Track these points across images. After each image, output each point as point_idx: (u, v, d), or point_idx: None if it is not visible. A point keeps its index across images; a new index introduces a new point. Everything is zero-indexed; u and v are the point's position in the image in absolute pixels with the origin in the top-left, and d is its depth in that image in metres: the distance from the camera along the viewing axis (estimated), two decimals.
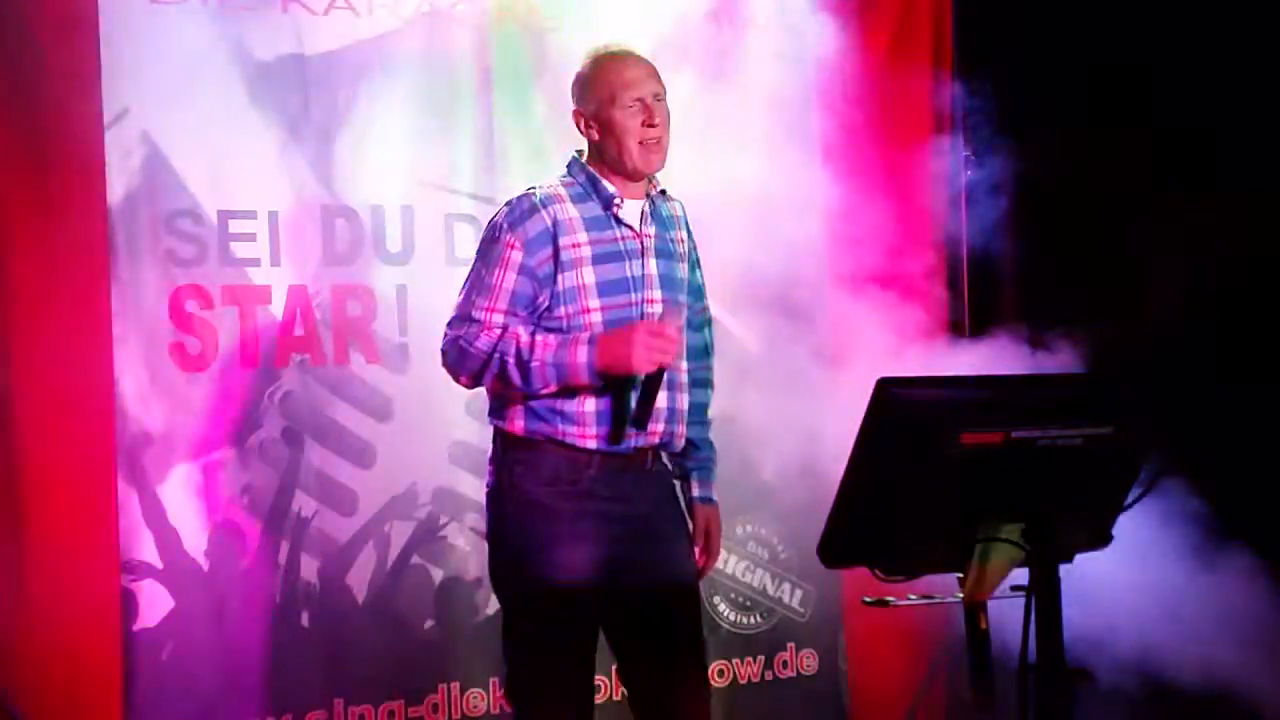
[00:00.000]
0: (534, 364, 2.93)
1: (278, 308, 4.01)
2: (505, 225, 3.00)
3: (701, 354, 3.27)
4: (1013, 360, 4.50)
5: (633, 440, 3.03)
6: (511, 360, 2.93)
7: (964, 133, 4.85)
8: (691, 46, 4.39)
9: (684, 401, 3.12)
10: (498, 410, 3.09)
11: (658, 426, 3.04)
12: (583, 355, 2.92)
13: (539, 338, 2.95)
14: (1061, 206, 4.68)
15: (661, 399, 3.01)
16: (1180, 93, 4.44)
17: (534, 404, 3.01)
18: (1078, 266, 4.65)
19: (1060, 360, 4.41)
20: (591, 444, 3.01)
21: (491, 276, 2.97)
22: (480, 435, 4.21)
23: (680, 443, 3.16)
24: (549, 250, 2.97)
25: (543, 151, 4.10)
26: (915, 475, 2.26)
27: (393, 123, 4.05)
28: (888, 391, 2.23)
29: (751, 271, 3.84)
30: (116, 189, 3.80)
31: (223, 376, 3.94)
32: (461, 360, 2.99)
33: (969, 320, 4.84)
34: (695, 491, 3.25)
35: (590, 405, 3.00)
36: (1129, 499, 2.45)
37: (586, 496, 3.03)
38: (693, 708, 3.15)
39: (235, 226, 3.97)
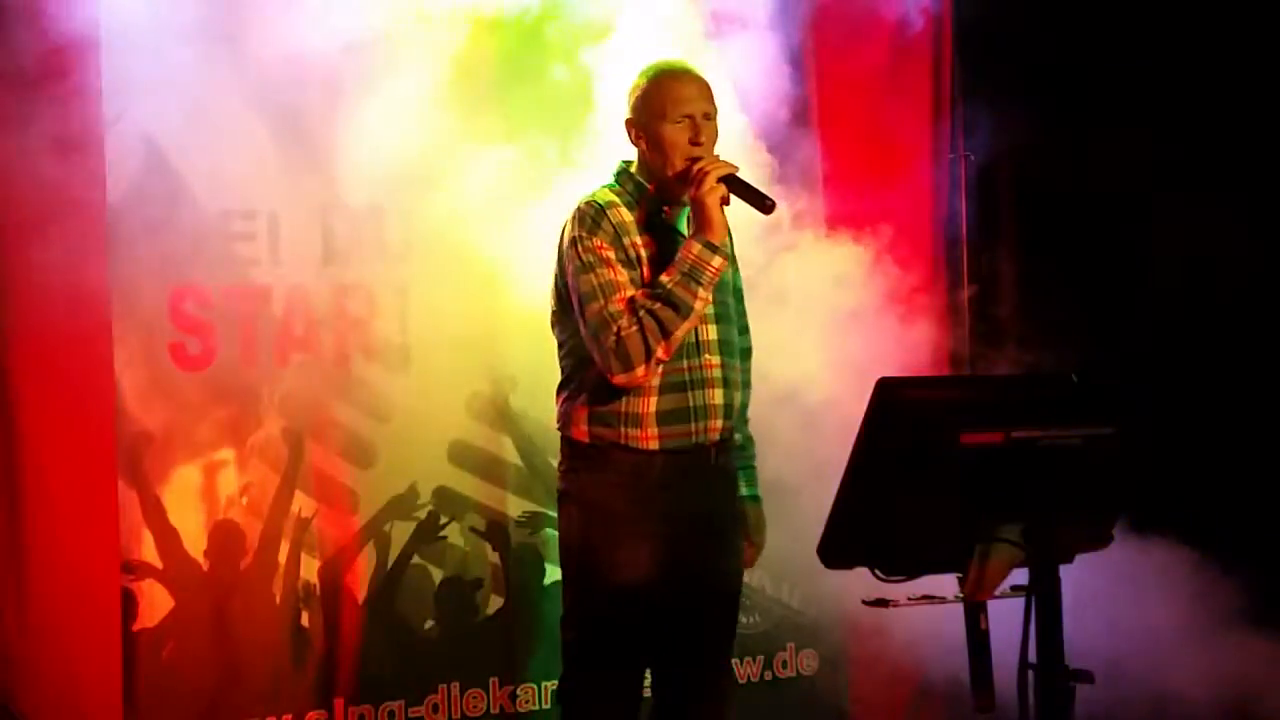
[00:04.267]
0: (669, 285, 3.01)
1: (278, 307, 4.01)
2: (586, 234, 3.09)
3: (744, 356, 3.35)
4: (1013, 360, 4.50)
5: (695, 438, 3.11)
6: (656, 304, 3.01)
7: (964, 133, 4.84)
8: (691, 48, 4.38)
9: (740, 399, 3.23)
10: (564, 419, 3.18)
11: (717, 423, 3.14)
12: (692, 244, 3.04)
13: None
14: (1061, 206, 4.69)
15: (719, 395, 3.13)
16: (1180, 93, 4.45)
17: (597, 408, 3.10)
18: (1078, 266, 4.65)
19: (1061, 360, 4.41)
20: (654, 445, 3.09)
21: (605, 274, 3.06)
22: (480, 435, 4.22)
23: (737, 437, 3.27)
24: (622, 249, 3.09)
25: (544, 150, 4.10)
26: (915, 475, 2.26)
27: (393, 122, 4.03)
28: (888, 391, 2.23)
29: (749, 271, 3.82)
30: (116, 188, 3.79)
31: (223, 376, 3.93)
32: (626, 349, 3.02)
33: (969, 320, 4.84)
34: (743, 490, 3.34)
35: (651, 406, 3.09)
36: (1129, 500, 2.45)
37: (650, 498, 3.10)
38: (714, 709, 3.22)
39: (235, 226, 3.96)
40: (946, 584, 2.44)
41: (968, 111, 4.85)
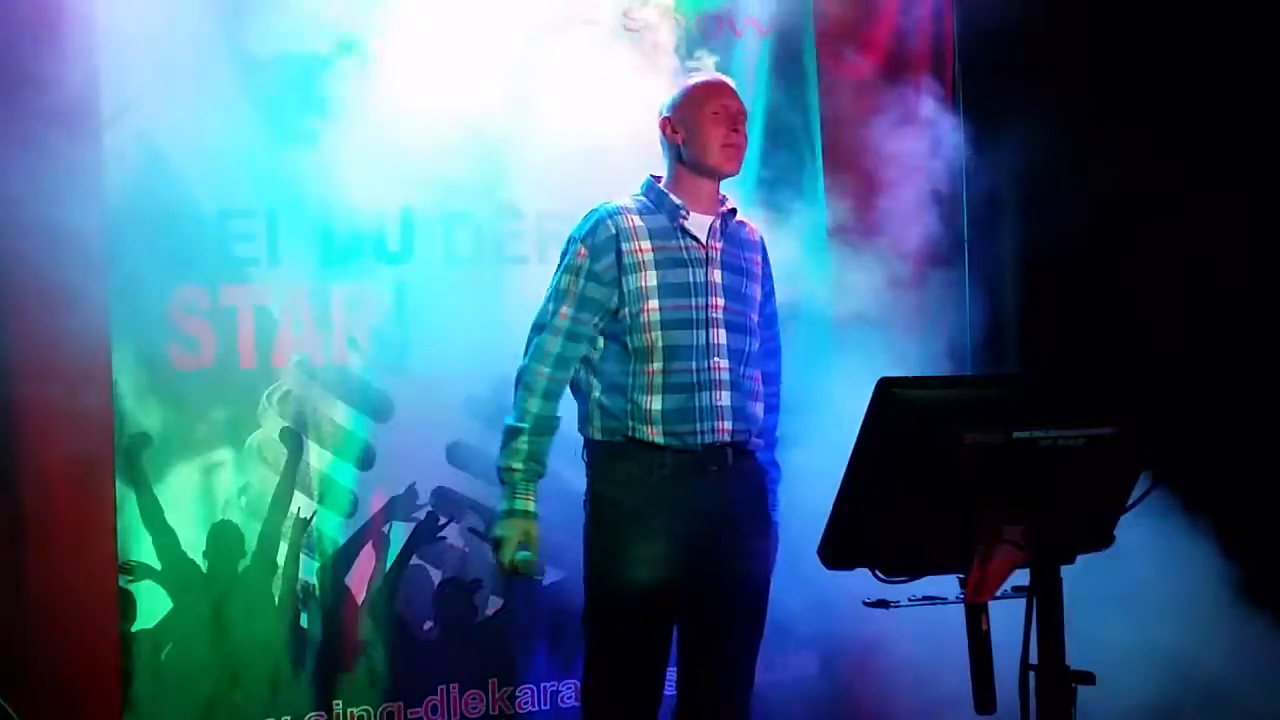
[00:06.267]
0: (505, 458, 3.17)
1: (276, 307, 4.00)
2: (577, 236, 3.24)
3: (768, 380, 3.37)
4: (1014, 360, 4.49)
5: (701, 437, 3.14)
6: (511, 436, 3.18)
7: (965, 134, 4.84)
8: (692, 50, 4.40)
9: (753, 407, 3.23)
10: (582, 420, 3.25)
11: (725, 424, 3.16)
12: (503, 504, 3.18)
13: (527, 450, 3.16)
14: (1062, 206, 4.68)
15: (727, 398, 3.16)
16: (1182, 93, 4.44)
17: (608, 405, 3.18)
18: (1079, 266, 4.64)
19: (1061, 360, 4.40)
20: (660, 439, 3.13)
21: (564, 282, 3.21)
22: (479, 436, 4.21)
23: (755, 443, 3.26)
24: (613, 256, 3.17)
25: (542, 150, 4.09)
26: (916, 475, 2.25)
27: (393, 121, 4.03)
28: (889, 391, 2.22)
29: None
30: (115, 187, 3.78)
31: (221, 376, 3.93)
32: (516, 384, 3.21)
33: (970, 319, 4.83)
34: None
35: (658, 404, 3.15)
36: (1130, 500, 2.44)
37: (660, 495, 3.14)
38: (733, 705, 3.24)
39: (234, 225, 3.96)
40: (947, 585, 2.44)
41: (969, 112, 4.84)
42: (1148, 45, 4.51)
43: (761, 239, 3.40)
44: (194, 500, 3.90)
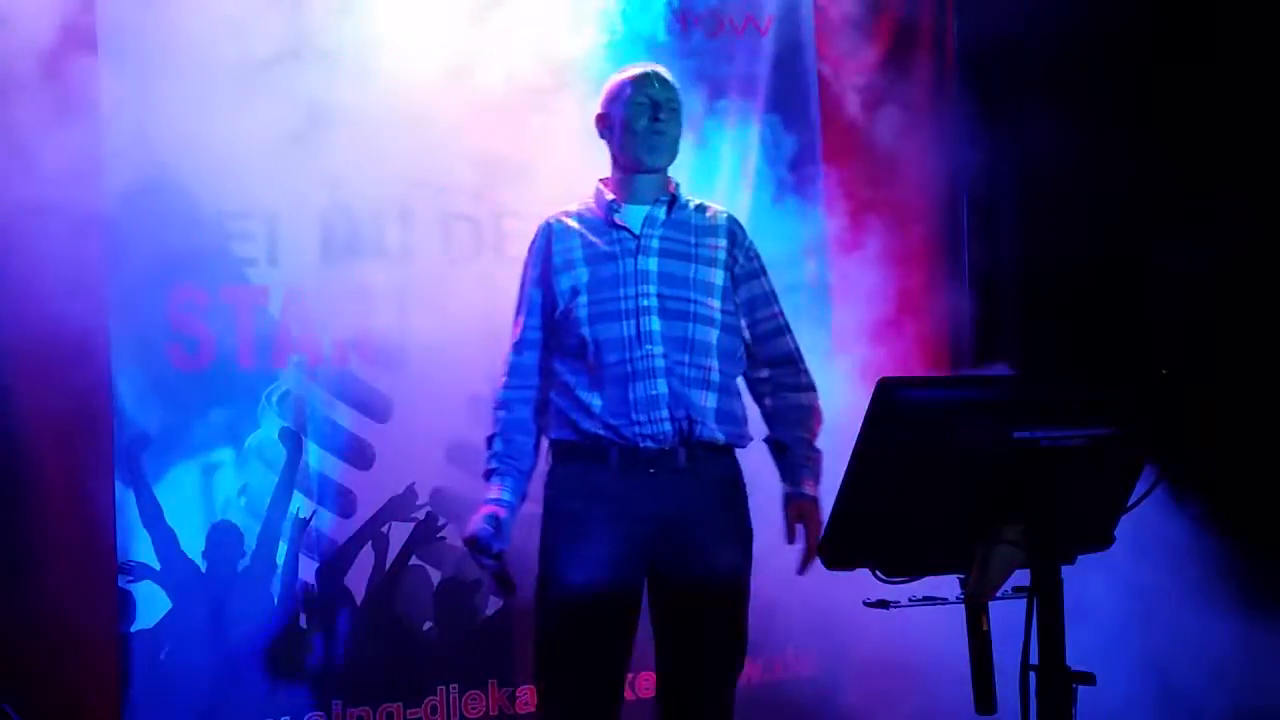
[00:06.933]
0: (490, 457, 3.26)
1: (276, 307, 4.01)
2: (530, 246, 3.31)
3: (782, 361, 3.32)
4: (1014, 361, 4.49)
5: (638, 427, 3.10)
6: (486, 444, 3.28)
7: (966, 133, 4.84)
8: (693, 51, 4.40)
9: (700, 396, 3.15)
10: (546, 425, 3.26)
11: (662, 412, 3.10)
12: (484, 490, 3.25)
13: (500, 451, 3.25)
14: (1062, 206, 4.68)
15: (663, 386, 3.11)
16: (1184, 92, 4.44)
17: (558, 404, 3.18)
18: (1080, 266, 4.64)
19: (1061, 360, 4.40)
20: (602, 431, 3.11)
21: (521, 293, 3.29)
22: (479, 436, 4.20)
23: (715, 436, 3.16)
24: (545, 258, 3.24)
25: (541, 150, 4.09)
26: (916, 476, 2.25)
27: (392, 122, 4.03)
28: (889, 392, 2.22)
29: None
30: (114, 186, 3.78)
31: (220, 376, 3.93)
32: (497, 399, 3.28)
33: (970, 319, 4.83)
34: (785, 488, 3.28)
35: (597, 399, 3.13)
36: (1131, 500, 2.44)
37: (603, 497, 3.11)
38: (707, 711, 3.18)
39: (233, 226, 3.96)
40: (947, 585, 2.43)
41: (969, 110, 4.84)
42: (1149, 45, 4.51)
43: (729, 222, 3.30)
44: (193, 500, 3.91)
